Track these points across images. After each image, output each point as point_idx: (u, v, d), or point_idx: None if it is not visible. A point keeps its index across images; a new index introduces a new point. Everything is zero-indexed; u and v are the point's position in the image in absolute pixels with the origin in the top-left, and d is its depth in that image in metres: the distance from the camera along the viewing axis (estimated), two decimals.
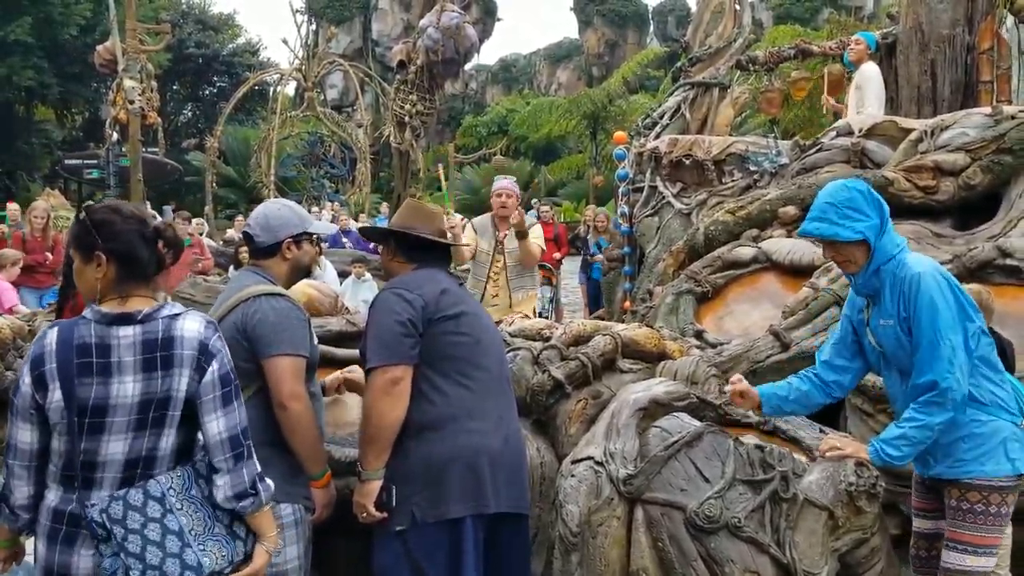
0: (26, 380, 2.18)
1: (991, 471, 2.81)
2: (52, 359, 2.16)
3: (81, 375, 2.15)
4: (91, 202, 20.93)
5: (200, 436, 2.34)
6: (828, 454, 2.99)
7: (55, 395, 2.15)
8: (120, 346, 2.19)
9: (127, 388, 2.18)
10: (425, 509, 2.75)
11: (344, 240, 12.71)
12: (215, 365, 2.28)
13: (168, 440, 2.26)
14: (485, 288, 6.03)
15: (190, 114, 39.83)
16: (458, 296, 2.96)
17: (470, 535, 2.76)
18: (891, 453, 2.83)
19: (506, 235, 6.02)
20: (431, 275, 2.97)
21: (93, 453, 2.18)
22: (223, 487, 2.28)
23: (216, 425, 2.27)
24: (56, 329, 2.21)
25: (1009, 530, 3.12)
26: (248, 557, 2.34)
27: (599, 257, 10.14)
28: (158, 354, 2.22)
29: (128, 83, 14.08)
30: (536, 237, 6.07)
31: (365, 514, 2.80)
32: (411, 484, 2.77)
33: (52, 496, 2.23)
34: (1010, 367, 3.35)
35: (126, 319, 2.22)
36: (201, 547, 2.23)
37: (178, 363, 2.23)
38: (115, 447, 2.19)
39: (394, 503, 2.77)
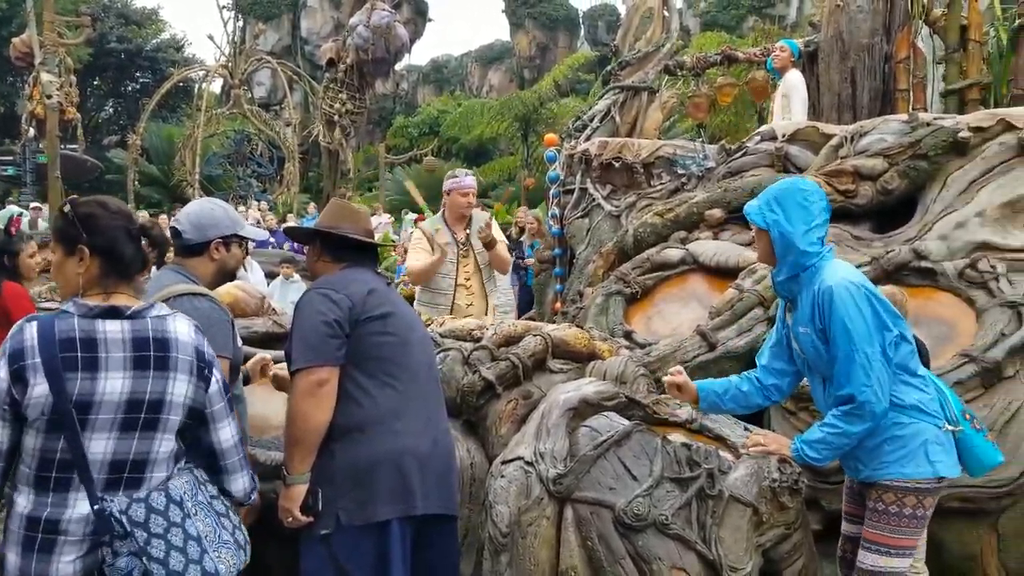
0: (1, 375, 2.08)
1: (911, 473, 2.84)
2: (34, 354, 2.07)
3: (65, 370, 2.07)
4: (11, 199, 20.15)
5: (181, 443, 2.31)
6: (752, 450, 3.05)
7: (36, 391, 2.06)
8: (107, 341, 2.12)
9: (115, 385, 2.11)
10: (351, 512, 2.71)
11: (271, 240, 12.51)
12: (217, 374, 2.32)
13: (163, 445, 2.21)
14: (454, 298, 5.42)
15: (111, 110, 38.77)
16: (385, 296, 2.92)
17: (397, 537, 2.72)
18: (811, 455, 2.91)
19: (468, 233, 5.51)
20: (358, 275, 2.93)
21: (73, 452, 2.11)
22: (244, 485, 2.43)
23: (228, 430, 2.37)
24: (35, 323, 2.12)
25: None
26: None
27: (530, 261, 9.89)
28: (152, 354, 2.16)
29: (45, 77, 13.63)
30: (501, 240, 5.58)
31: (291, 519, 2.75)
32: (337, 487, 2.73)
33: (24, 501, 2.12)
34: (925, 367, 3.45)
35: (113, 313, 2.16)
36: (216, 554, 2.22)
37: (174, 366, 2.19)
38: (97, 446, 2.11)
39: (320, 507, 2.72)
